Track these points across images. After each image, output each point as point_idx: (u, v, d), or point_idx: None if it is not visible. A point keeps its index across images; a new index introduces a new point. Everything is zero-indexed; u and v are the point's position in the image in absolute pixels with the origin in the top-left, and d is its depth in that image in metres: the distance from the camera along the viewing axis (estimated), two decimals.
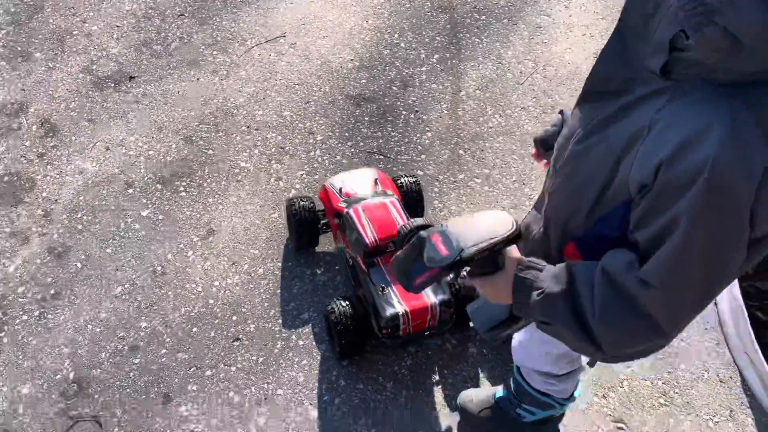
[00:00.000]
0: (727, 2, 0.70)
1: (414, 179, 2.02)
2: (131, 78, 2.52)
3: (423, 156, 2.33)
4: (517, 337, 1.45)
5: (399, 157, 2.32)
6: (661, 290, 0.85)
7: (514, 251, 1.04)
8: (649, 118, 0.84)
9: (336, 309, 1.71)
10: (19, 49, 2.59)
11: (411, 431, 1.68)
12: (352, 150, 2.33)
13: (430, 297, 1.67)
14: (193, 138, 2.33)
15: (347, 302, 1.73)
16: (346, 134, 2.38)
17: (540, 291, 0.96)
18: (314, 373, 1.76)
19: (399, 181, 2.00)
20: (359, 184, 1.88)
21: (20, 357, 1.75)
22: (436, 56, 2.69)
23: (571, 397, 1.54)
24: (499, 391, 1.65)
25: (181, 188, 2.18)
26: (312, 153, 2.31)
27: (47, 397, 1.68)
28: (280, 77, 2.57)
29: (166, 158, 2.27)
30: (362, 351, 1.79)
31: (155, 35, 2.68)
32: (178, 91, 2.49)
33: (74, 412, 1.65)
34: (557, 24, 2.81)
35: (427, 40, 2.75)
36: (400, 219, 1.75)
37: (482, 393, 1.68)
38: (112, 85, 2.49)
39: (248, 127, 2.39)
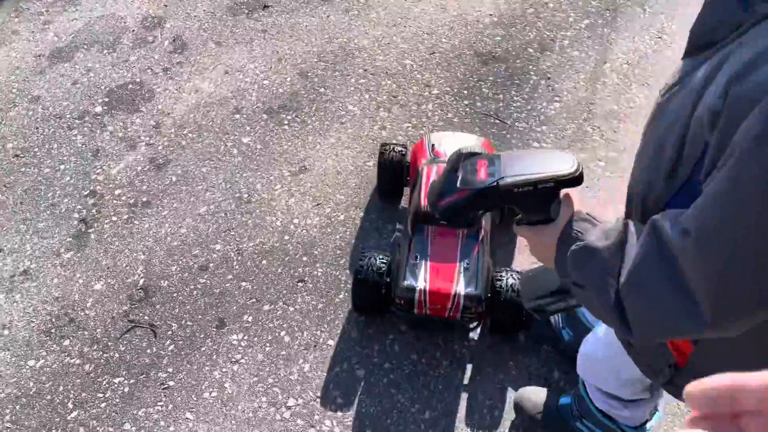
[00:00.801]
0: None
1: None
2: (265, 7, 2.51)
3: (544, 127, 2.09)
4: (583, 348, 1.23)
5: (516, 124, 2.11)
6: (697, 241, 0.63)
7: (573, 201, 0.84)
8: (731, 52, 0.66)
9: (368, 259, 1.57)
10: None
11: (455, 417, 1.52)
12: (467, 109, 2.15)
13: (457, 285, 1.48)
14: (309, 74, 2.28)
15: (383, 259, 1.58)
16: (465, 92, 2.20)
17: (581, 243, 0.77)
18: (369, 332, 1.66)
19: None
20: (454, 147, 1.69)
21: (101, 255, 1.82)
22: (585, 21, 2.40)
23: (642, 427, 1.29)
24: (565, 397, 1.44)
25: (285, 122, 2.15)
26: (423, 106, 2.17)
27: (115, 297, 1.74)
28: (410, 24, 2.43)
29: (279, 90, 2.24)
30: (375, 312, 1.65)
31: None
32: (306, 26, 2.44)
33: (134, 317, 1.69)
34: None
35: (580, 2, 2.46)
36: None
37: (543, 394, 1.48)
38: (246, 11, 2.50)
39: (365, 70, 2.29)
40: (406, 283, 1.50)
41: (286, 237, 1.86)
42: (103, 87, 2.25)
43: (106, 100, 2.21)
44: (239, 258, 1.81)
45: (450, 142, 1.72)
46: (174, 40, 2.41)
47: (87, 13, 2.50)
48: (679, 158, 0.71)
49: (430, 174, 1.61)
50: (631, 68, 2.24)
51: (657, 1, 2.45)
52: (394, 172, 1.82)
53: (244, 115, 2.17)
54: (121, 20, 2.47)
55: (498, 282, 1.53)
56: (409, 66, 2.30)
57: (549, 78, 2.23)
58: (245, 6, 2.52)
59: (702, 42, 0.74)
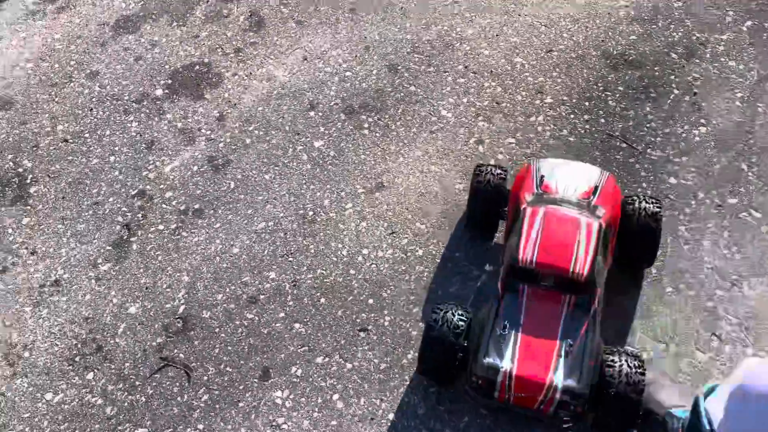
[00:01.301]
0: None
1: (656, 207, 1.36)
2: None
3: (684, 158, 1.66)
4: None
5: (649, 150, 1.69)
6: None
7: None
8: None
9: (443, 313, 1.25)
10: None
11: None
12: (587, 126, 1.75)
13: (554, 373, 1.15)
14: (399, 67, 1.94)
15: (463, 316, 1.25)
16: (586, 103, 1.80)
17: None
18: (440, 410, 1.34)
19: (631, 205, 1.37)
20: (569, 182, 1.33)
21: (141, 270, 1.59)
22: (749, 22, 1.91)
23: None
24: None
25: (366, 125, 1.82)
26: (533, 118, 1.78)
27: (150, 325, 1.50)
28: (525, 12, 2.03)
29: (362, 85, 1.91)
30: (446, 381, 1.31)
31: None
32: (401, 6, 2.08)
33: (168, 353, 1.45)
34: None
35: None
36: (585, 253, 1.20)
37: None
38: None
39: (466, 67, 1.91)
40: (487, 360, 1.19)
41: (352, 271, 1.55)
42: (167, 66, 2.00)
43: (169, 82, 1.96)
44: (295, 292, 1.53)
45: (564, 174, 1.35)
46: (251, 15, 2.11)
47: None
48: None
49: (534, 218, 1.25)
50: None
51: None
52: (490, 200, 1.46)
53: (320, 113, 1.86)
54: None
55: (609, 369, 1.17)
56: (520, 65, 1.90)
57: (696, 93, 1.78)
58: None
59: None
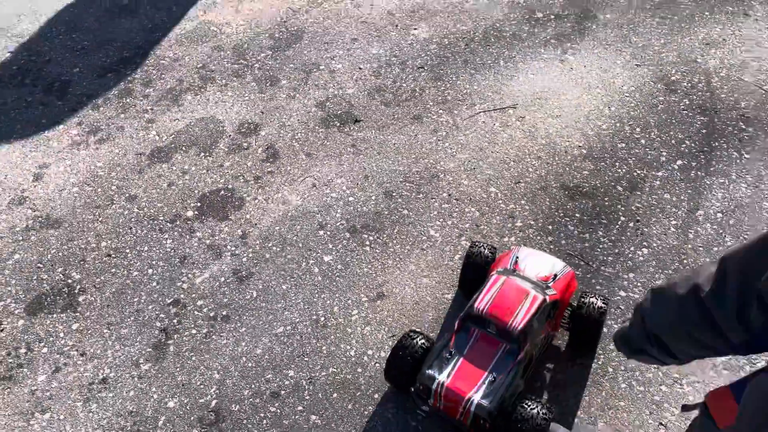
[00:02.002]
0: None
1: (602, 306, 1.73)
2: (356, 121, 2.58)
3: (631, 274, 2.03)
4: None
5: (603, 268, 2.05)
6: None
7: None
8: None
9: (411, 338, 1.66)
10: (271, 74, 2.81)
11: None
12: (551, 246, 2.11)
13: (473, 392, 1.52)
14: (394, 194, 2.31)
15: (426, 342, 1.66)
16: (549, 227, 2.17)
17: None
18: None
19: (584, 299, 1.75)
20: (535, 266, 1.73)
21: (177, 369, 1.85)
22: (678, 162, 2.35)
23: None
24: None
25: (367, 242, 2.16)
26: (506, 239, 2.15)
27: (187, 418, 1.74)
28: (497, 149, 2.44)
29: (363, 208, 2.27)
30: (399, 387, 1.70)
31: (390, 83, 2.73)
32: (394, 143, 2.49)
33: None
34: None
35: (673, 141, 2.42)
36: (524, 315, 1.57)
37: None
38: (338, 124, 2.58)
39: (449, 195, 2.30)
40: (429, 372, 1.57)
41: (359, 369, 1.84)
42: (196, 191, 2.34)
43: (198, 205, 2.30)
44: (311, 388, 1.80)
45: (534, 260, 1.76)
46: (267, 148, 2.49)
47: (189, 114, 2.64)
48: None
49: (496, 282, 1.66)
50: (726, 218, 2.17)
51: (755, 147, 2.38)
52: (479, 268, 1.85)
53: (328, 232, 2.20)
54: (220, 124, 2.59)
55: (521, 409, 1.50)
56: (494, 194, 2.29)
57: (638, 220, 2.18)
58: (337, 119, 2.60)
59: None
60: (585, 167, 2.36)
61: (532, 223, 2.19)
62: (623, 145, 2.43)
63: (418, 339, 1.65)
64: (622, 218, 2.19)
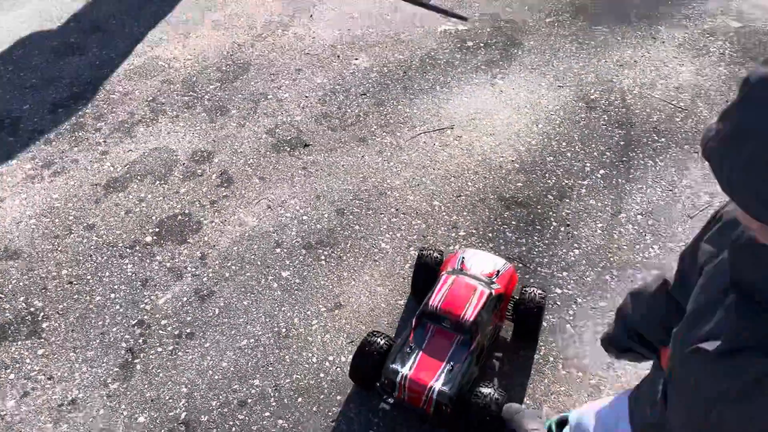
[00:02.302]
0: None
1: (540, 296, 1.94)
2: (306, 145, 2.73)
3: (565, 273, 2.23)
4: None
5: (539, 269, 2.25)
6: None
7: None
8: None
9: (374, 337, 1.80)
10: (220, 104, 2.93)
11: None
12: (492, 252, 2.30)
13: (434, 381, 1.68)
14: (345, 211, 2.46)
15: (386, 340, 1.80)
16: (490, 234, 2.36)
17: None
18: None
19: (524, 289, 1.95)
20: (479, 264, 1.93)
21: (146, 386, 1.92)
22: (601, 171, 2.60)
23: None
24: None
25: (322, 257, 2.29)
26: (451, 247, 2.32)
27: None
28: (438, 166, 2.63)
29: (317, 226, 2.40)
30: (364, 385, 1.84)
31: (336, 109, 2.90)
32: (343, 165, 2.65)
33: None
34: None
35: (595, 153, 2.67)
36: (474, 309, 1.76)
37: None
38: (288, 149, 2.72)
39: (397, 209, 2.46)
40: (392, 366, 1.72)
41: (322, 374, 1.95)
42: (154, 217, 2.42)
43: (157, 230, 2.38)
44: (277, 394, 1.90)
45: (478, 259, 1.96)
46: (221, 174, 2.61)
47: (142, 144, 2.72)
48: None
49: (446, 281, 1.85)
50: (645, 219, 2.41)
51: (667, 155, 2.65)
52: (428, 271, 2.02)
53: (284, 250, 2.32)
54: (173, 153, 2.68)
55: (477, 393, 1.68)
56: (438, 207, 2.47)
57: (568, 225, 2.40)
58: (287, 144, 2.74)
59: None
60: (518, 179, 2.57)
61: (474, 231, 2.38)
62: (551, 158, 2.66)
63: (380, 338, 1.80)
64: (554, 223, 2.40)
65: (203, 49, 3.23)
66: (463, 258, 1.94)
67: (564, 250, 2.31)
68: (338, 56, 3.19)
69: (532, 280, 2.21)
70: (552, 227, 2.39)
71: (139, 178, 2.58)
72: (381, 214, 2.45)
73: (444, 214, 2.44)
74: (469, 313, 1.75)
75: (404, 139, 2.75)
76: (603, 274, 2.23)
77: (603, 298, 2.16)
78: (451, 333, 1.76)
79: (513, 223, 2.40)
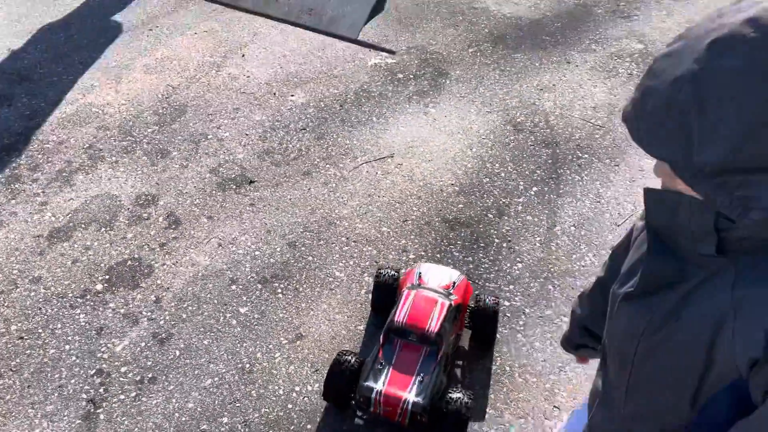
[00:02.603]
0: (758, 185, 0.75)
1: (494, 302, 2.07)
2: (251, 182, 2.77)
3: (511, 286, 2.36)
4: None
5: (487, 284, 2.37)
6: None
7: None
8: (727, 298, 0.85)
9: (343, 357, 1.87)
10: (160, 147, 2.94)
11: None
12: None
13: (408, 393, 1.78)
14: (297, 243, 2.51)
15: (356, 359, 1.88)
16: (438, 255, 2.47)
17: None
18: None
19: (478, 297, 2.09)
20: (436, 278, 2.05)
21: None
22: (534, 189, 2.77)
23: None
24: None
25: (279, 290, 2.33)
26: (403, 270, 2.41)
27: None
28: (383, 194, 2.74)
29: (270, 260, 2.44)
30: (339, 404, 1.92)
31: (277, 145, 2.96)
32: (290, 198, 2.70)
33: None
34: None
35: (527, 172, 2.85)
36: (437, 320, 1.88)
37: None
38: (234, 187, 2.75)
39: (347, 238, 2.54)
40: (366, 384, 1.81)
41: (290, 405, 1.99)
42: (103, 265, 2.39)
43: (107, 277, 2.35)
44: (246, 430, 1.92)
45: (434, 273, 2.09)
46: (168, 216, 2.61)
47: (83, 192, 2.69)
48: (699, 390, 0.90)
49: (408, 297, 1.97)
50: (578, 230, 2.59)
51: (591, 170, 2.86)
52: (387, 291, 2.14)
53: (240, 286, 2.35)
54: (116, 199, 2.66)
55: (448, 399, 1.79)
56: (386, 233, 2.57)
57: (510, 240, 2.54)
58: (232, 182, 2.77)
59: (644, 290, 0.97)
60: (459, 201, 2.71)
61: (423, 254, 2.48)
62: (487, 179, 2.82)
63: (350, 356, 1.88)
64: (497, 240, 2.54)
65: (137, 93, 3.23)
66: (420, 273, 2.06)
67: (508, 265, 2.45)
68: (274, 93, 3.26)
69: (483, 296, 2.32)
70: (495, 244, 2.53)
71: (83, 226, 2.55)
72: (332, 243, 2.52)
73: (393, 239, 2.54)
74: (433, 325, 1.87)
75: (347, 170, 2.84)
76: (546, 284, 2.38)
77: (548, 306, 2.30)
78: (418, 345, 1.87)
79: (458, 242, 2.53)
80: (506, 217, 2.64)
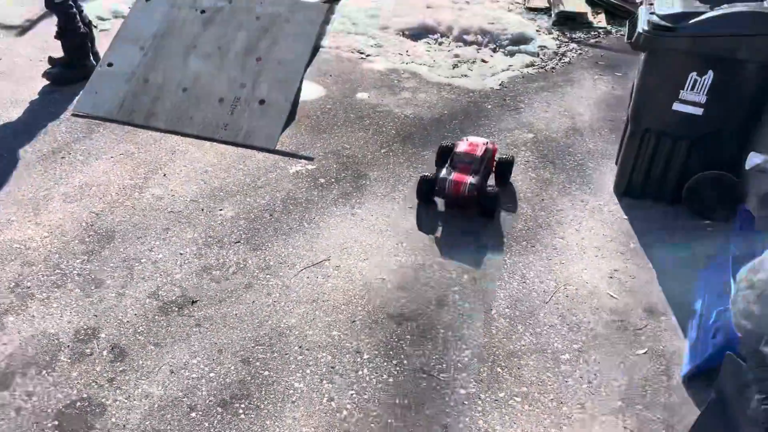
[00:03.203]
0: None
1: (510, 156, 3.63)
2: (193, 302, 2.77)
3: (464, 374, 2.50)
4: None
5: (441, 375, 2.50)
6: None
7: None
8: None
9: (425, 176, 3.38)
10: (93, 276, 2.88)
11: None
12: (397, 368, 2.51)
13: (468, 178, 3.27)
14: (250, 359, 2.53)
15: (431, 174, 3.39)
16: (391, 352, 2.58)
17: None
18: None
19: (502, 153, 3.69)
20: (478, 139, 3.53)
21: None
22: (465, 276, 2.98)
23: None
24: None
25: (240, 410, 2.33)
26: (360, 372, 2.49)
27: None
28: (326, 298, 2.83)
29: (226, 380, 2.44)
30: (425, 199, 3.42)
31: (215, 261, 2.99)
32: (236, 314, 2.73)
33: None
34: (571, 246, 3.15)
35: (456, 261, 3.06)
36: (481, 151, 3.39)
37: None
38: (176, 309, 2.74)
39: (300, 347, 2.59)
40: (441, 175, 3.31)
41: None
42: (50, 410, 2.28)
43: (57, 423, 2.24)
44: None
45: (476, 138, 3.59)
46: (112, 348, 2.54)
47: (16, 335, 2.57)
48: None
49: (464, 140, 3.53)
50: (512, 311, 2.80)
51: (512, 252, 3.13)
52: (447, 151, 3.59)
53: (200, 412, 2.31)
54: (54, 337, 2.57)
55: (487, 187, 3.34)
56: (337, 336, 2.65)
57: (453, 329, 2.70)
58: (174, 304, 2.76)
59: None
60: (400, 296, 2.86)
61: (376, 353, 2.58)
62: (422, 272, 3.00)
63: (428, 174, 3.38)
64: (442, 331, 2.70)
65: (59, 223, 3.16)
66: (467, 138, 3.53)
67: (456, 353, 2.60)
68: (203, 209, 3.31)
69: (436, 389, 2.44)
70: (441, 334, 2.68)
71: (21, 371, 2.42)
72: (286, 354, 2.56)
73: (345, 341, 2.62)
74: (479, 153, 3.38)
75: (288, 278, 2.92)
76: (494, 367, 2.54)
77: (500, 389, 2.45)
78: (469, 164, 3.32)
79: (407, 337, 2.65)
80: (446, 307, 2.81)
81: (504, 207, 3.40)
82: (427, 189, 3.35)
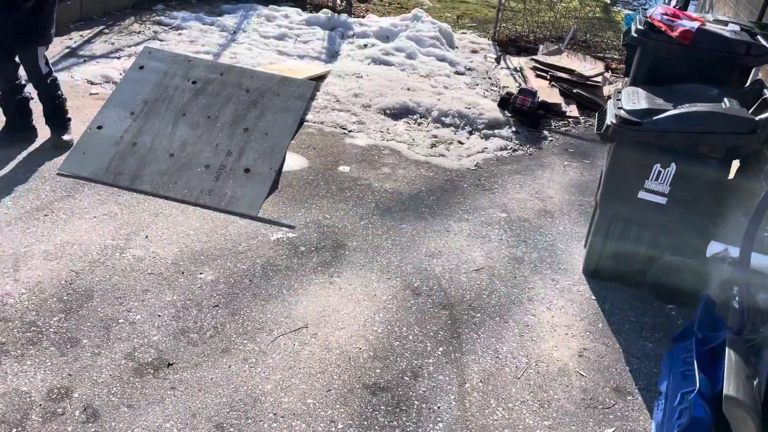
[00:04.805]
0: None
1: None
2: (169, 365, 2.77)
3: None
4: None
5: None
6: None
7: None
8: None
9: (506, 94, 5.52)
10: (69, 335, 2.86)
11: None
12: None
13: (529, 98, 5.59)
14: (224, 425, 2.52)
15: (506, 93, 5.73)
16: (365, 423, 2.60)
17: None
18: None
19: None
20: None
21: None
22: (440, 349, 3.04)
23: None
24: None
25: None
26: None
27: None
28: (303, 365, 2.85)
29: None
30: (505, 107, 5.76)
31: (192, 324, 3.01)
32: (212, 378, 2.73)
33: None
34: (542, 323, 3.26)
35: (431, 333, 3.13)
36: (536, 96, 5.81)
37: None
38: (152, 371, 2.73)
39: (275, 414, 2.59)
40: (515, 94, 5.76)
41: None
42: None
43: None
44: None
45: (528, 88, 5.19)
46: (85, 409, 2.51)
47: None
48: None
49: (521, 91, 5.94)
50: (485, 385, 2.86)
51: (486, 327, 3.21)
52: (507, 100, 5.96)
53: None
54: (26, 395, 2.53)
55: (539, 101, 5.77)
56: (312, 404, 2.66)
57: (428, 401, 2.74)
58: (150, 366, 2.75)
59: None
60: (376, 366, 2.90)
61: (351, 422, 2.60)
62: (398, 342, 3.06)
63: (509, 94, 5.75)
64: (416, 402, 2.73)
65: (38, 281, 3.16)
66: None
67: (430, 426, 2.63)
68: (183, 272, 3.35)
69: None
70: (415, 406, 2.71)
71: None
72: (260, 421, 2.56)
73: (320, 410, 2.63)
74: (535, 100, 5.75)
75: (265, 344, 2.94)
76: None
77: None
78: (529, 96, 5.69)
79: (382, 408, 2.68)
80: (421, 378, 2.86)
81: (476, 283, 3.51)
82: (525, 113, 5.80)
